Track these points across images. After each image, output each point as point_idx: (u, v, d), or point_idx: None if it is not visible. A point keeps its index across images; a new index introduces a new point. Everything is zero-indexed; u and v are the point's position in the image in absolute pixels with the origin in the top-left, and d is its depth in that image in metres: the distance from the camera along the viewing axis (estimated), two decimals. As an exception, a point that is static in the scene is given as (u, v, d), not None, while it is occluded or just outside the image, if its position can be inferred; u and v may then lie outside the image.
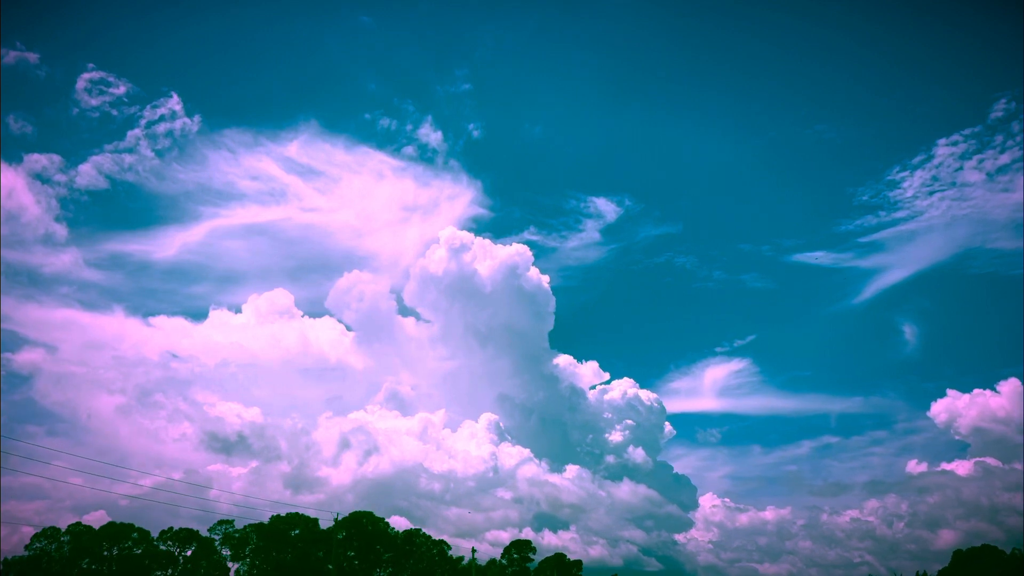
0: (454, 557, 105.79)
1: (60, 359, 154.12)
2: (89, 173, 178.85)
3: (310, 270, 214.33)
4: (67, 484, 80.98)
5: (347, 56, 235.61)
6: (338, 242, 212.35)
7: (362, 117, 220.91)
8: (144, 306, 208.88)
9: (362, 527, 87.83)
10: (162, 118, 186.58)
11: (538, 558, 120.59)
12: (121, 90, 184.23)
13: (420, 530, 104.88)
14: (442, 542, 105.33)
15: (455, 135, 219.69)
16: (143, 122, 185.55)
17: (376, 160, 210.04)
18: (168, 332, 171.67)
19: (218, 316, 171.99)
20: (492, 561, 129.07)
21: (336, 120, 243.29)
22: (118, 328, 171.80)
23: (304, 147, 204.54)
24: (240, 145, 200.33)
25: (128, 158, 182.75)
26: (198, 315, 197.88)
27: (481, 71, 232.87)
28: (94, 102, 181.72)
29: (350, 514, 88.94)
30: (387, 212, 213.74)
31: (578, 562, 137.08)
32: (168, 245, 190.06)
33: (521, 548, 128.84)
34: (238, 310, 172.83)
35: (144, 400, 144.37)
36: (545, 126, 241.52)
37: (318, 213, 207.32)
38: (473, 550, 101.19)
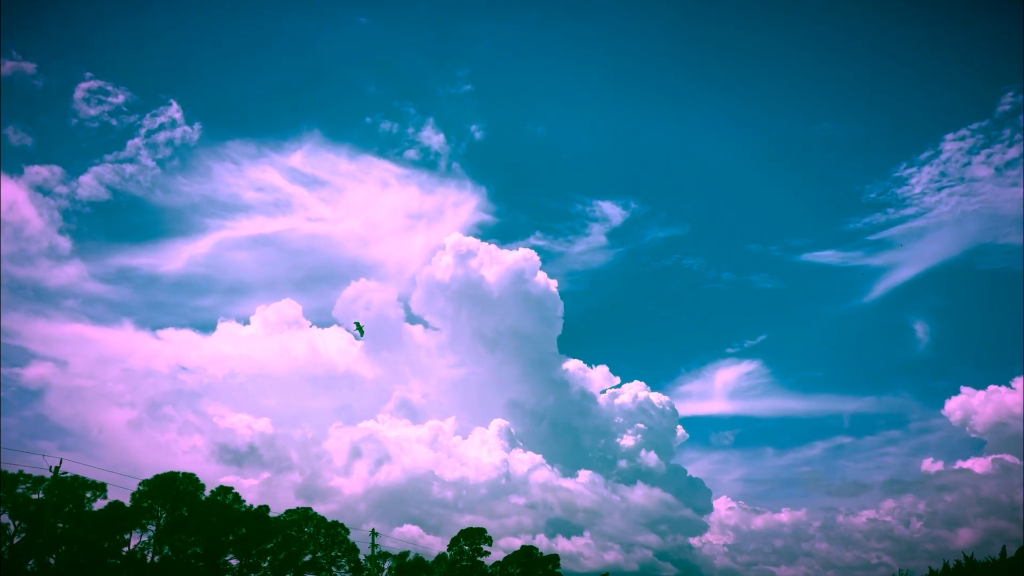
0: (356, 544, 79.20)
1: (70, 373, 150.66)
2: (90, 184, 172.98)
3: (317, 280, 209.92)
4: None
5: (345, 59, 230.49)
6: (344, 251, 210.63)
7: (363, 122, 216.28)
8: (152, 319, 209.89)
9: (174, 493, 61.37)
10: (162, 127, 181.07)
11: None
12: (120, 99, 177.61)
13: (310, 509, 78.61)
14: (336, 524, 78.59)
15: (457, 137, 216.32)
16: (143, 131, 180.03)
17: (380, 168, 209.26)
18: (177, 345, 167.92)
19: (226, 328, 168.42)
20: (441, 556, 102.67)
21: (339, 129, 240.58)
22: (127, 341, 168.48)
23: (308, 157, 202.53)
24: (244, 156, 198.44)
25: (129, 168, 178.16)
26: (206, 327, 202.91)
27: (482, 71, 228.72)
28: (93, 112, 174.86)
29: (155, 476, 62.70)
30: (392, 220, 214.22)
31: (554, 556, 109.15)
32: (175, 258, 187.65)
33: (472, 537, 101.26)
34: (246, 322, 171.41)
35: (154, 413, 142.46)
36: (548, 126, 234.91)
37: (324, 223, 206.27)
38: (373, 533, 74.27)
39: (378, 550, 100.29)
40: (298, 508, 77.97)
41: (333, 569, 78.35)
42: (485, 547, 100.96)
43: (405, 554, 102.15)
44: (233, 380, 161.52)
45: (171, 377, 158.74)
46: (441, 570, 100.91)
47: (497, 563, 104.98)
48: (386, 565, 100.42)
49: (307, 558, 76.72)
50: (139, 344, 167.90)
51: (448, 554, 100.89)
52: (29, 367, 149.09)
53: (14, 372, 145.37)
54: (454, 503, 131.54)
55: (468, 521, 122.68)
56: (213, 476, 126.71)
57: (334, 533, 76.80)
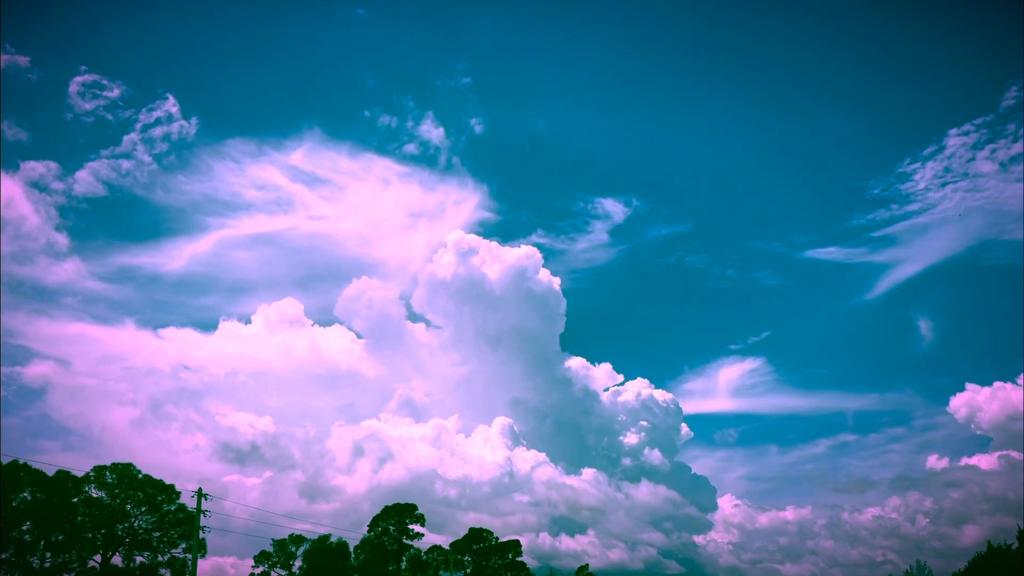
0: (189, 510, 58.99)
1: (72, 372, 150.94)
2: (87, 180, 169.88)
3: (319, 278, 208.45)
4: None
5: (343, 52, 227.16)
6: (346, 250, 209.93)
7: (362, 117, 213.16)
8: (154, 318, 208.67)
9: None
10: (158, 121, 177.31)
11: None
12: (115, 93, 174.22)
13: (131, 466, 59.02)
14: (164, 484, 58.72)
15: (457, 131, 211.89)
16: (139, 126, 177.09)
17: (381, 166, 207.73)
18: (179, 344, 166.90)
19: (228, 327, 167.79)
20: (366, 539, 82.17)
21: (339, 126, 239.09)
22: (129, 340, 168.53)
23: (309, 155, 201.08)
24: (244, 155, 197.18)
25: (125, 164, 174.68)
26: (208, 326, 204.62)
27: (481, 64, 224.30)
28: (88, 106, 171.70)
29: None
30: (394, 218, 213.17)
31: (514, 543, 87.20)
32: (176, 257, 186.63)
33: (399, 515, 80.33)
34: (248, 320, 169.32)
35: (156, 412, 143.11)
36: (549, 121, 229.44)
37: (325, 221, 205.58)
38: (201, 495, 53.72)
39: (293, 534, 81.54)
40: (115, 464, 59.02)
41: (163, 547, 58.41)
42: (415, 527, 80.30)
43: (325, 537, 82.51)
44: (235, 379, 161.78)
45: (173, 376, 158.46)
46: (364, 555, 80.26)
47: (435, 547, 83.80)
48: (300, 551, 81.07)
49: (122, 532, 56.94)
50: (141, 343, 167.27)
51: (371, 535, 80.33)
52: (31, 366, 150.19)
53: (16, 371, 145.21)
54: (457, 501, 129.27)
55: (472, 519, 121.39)
56: (216, 474, 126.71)
57: (153, 499, 56.78)
